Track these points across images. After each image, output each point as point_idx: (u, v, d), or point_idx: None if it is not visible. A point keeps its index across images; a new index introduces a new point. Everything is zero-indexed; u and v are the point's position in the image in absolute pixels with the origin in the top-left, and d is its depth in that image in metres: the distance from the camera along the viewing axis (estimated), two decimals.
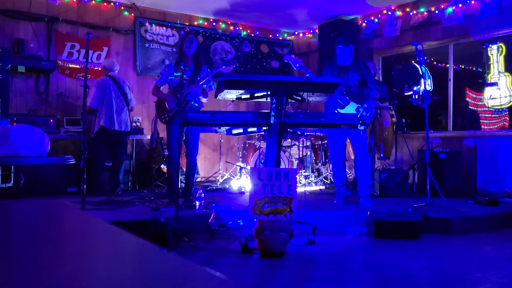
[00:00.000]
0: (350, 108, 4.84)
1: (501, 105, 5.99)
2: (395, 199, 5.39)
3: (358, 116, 4.83)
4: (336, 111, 4.89)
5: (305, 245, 3.65)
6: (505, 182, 5.83)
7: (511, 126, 6.23)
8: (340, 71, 4.96)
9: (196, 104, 4.80)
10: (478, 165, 6.11)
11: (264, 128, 4.16)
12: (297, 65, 4.69)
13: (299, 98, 4.36)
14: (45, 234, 0.84)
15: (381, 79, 7.39)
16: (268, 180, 3.71)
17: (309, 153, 6.91)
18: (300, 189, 4.65)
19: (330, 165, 7.10)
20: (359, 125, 4.81)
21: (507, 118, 6.29)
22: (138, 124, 6.88)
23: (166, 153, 5.81)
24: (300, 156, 6.80)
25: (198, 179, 7.19)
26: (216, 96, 4.40)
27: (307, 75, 4.29)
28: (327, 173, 7.08)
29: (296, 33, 8.68)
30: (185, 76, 4.66)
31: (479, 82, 6.42)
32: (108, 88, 5.65)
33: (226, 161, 7.62)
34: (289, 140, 6.67)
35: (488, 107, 6.21)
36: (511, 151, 5.87)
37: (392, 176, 5.78)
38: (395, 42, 7.12)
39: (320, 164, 7.20)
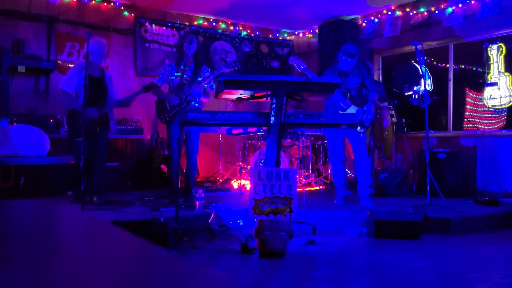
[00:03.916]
0: (351, 111, 4.84)
1: (501, 105, 5.99)
2: (395, 199, 5.39)
3: (358, 119, 4.84)
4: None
5: (305, 245, 3.65)
6: (505, 182, 5.83)
7: (511, 126, 6.23)
8: (341, 74, 4.96)
9: (197, 105, 4.80)
10: (478, 165, 6.11)
11: (264, 128, 4.16)
12: (302, 67, 4.68)
13: (299, 98, 4.36)
14: (45, 234, 0.84)
15: (381, 79, 7.40)
16: (268, 180, 3.71)
17: (309, 153, 6.91)
18: (300, 189, 4.65)
19: (331, 164, 7.11)
20: (359, 127, 4.82)
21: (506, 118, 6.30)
22: (138, 124, 6.88)
23: (166, 153, 5.80)
24: (300, 156, 6.80)
25: (198, 179, 7.18)
26: (216, 96, 4.41)
27: (310, 76, 4.30)
28: (327, 173, 7.08)
29: (296, 33, 8.68)
30: (185, 76, 4.66)
31: (479, 82, 6.43)
32: None
33: (226, 161, 7.62)
34: (289, 140, 6.66)
35: (488, 107, 6.21)
36: (511, 151, 5.87)
37: (392, 176, 5.78)
38: (395, 42, 7.12)
39: (320, 164, 7.20)
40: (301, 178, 6.54)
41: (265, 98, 4.17)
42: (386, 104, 6.18)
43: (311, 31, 8.43)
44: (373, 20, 7.37)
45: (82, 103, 4.55)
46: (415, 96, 6.11)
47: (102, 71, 4.97)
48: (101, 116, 4.76)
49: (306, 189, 5.96)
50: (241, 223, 4.35)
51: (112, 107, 4.92)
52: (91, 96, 4.61)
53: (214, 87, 4.82)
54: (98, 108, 4.73)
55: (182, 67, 4.72)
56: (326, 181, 7.01)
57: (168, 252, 0.72)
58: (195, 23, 7.72)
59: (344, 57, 4.88)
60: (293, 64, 4.80)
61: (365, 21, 7.49)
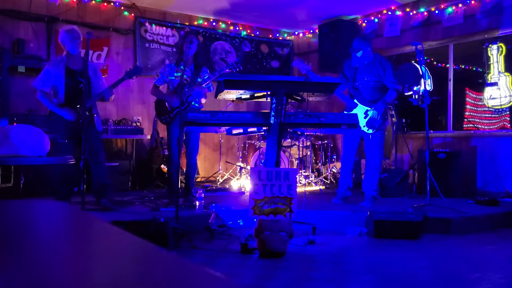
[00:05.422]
0: (359, 111, 4.82)
1: (501, 105, 5.99)
2: (395, 199, 5.38)
3: (366, 120, 4.81)
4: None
5: (305, 245, 3.65)
6: (505, 182, 5.83)
7: (511, 126, 6.23)
8: (357, 72, 4.96)
9: (197, 105, 4.80)
10: (478, 165, 6.11)
11: (264, 128, 4.16)
12: (306, 69, 4.65)
13: (299, 98, 4.36)
14: (44, 234, 0.84)
15: None
16: (268, 180, 3.71)
17: (309, 153, 6.91)
18: (300, 189, 4.65)
19: (331, 164, 7.11)
20: (366, 128, 4.81)
21: (507, 118, 6.29)
22: (138, 124, 6.88)
23: (166, 153, 5.80)
24: (300, 156, 6.80)
25: (198, 179, 7.19)
26: (216, 96, 4.40)
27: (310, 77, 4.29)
28: (327, 173, 7.08)
29: (296, 33, 8.68)
30: (185, 76, 4.66)
31: (479, 82, 6.42)
32: None
33: (226, 161, 7.63)
34: (289, 140, 6.67)
35: (488, 107, 6.21)
36: (511, 151, 5.87)
37: (392, 176, 5.78)
38: (395, 42, 7.12)
39: (320, 164, 7.20)
40: (301, 178, 6.54)
41: (265, 98, 4.17)
42: None
43: (311, 31, 8.43)
44: (373, 20, 7.37)
45: (59, 102, 4.42)
46: (415, 96, 6.11)
47: (85, 62, 4.55)
48: (84, 114, 4.32)
49: (306, 189, 5.96)
50: (241, 223, 4.35)
51: (94, 100, 4.51)
52: (70, 92, 4.37)
53: (212, 88, 4.82)
54: (75, 109, 4.40)
55: (181, 67, 4.71)
56: (326, 181, 7.01)
57: (168, 252, 0.72)
58: (195, 23, 7.72)
59: (353, 54, 4.92)
60: (297, 67, 4.78)
61: (365, 21, 7.49)
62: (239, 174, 6.90)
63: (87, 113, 4.41)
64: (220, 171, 7.19)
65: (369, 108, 4.83)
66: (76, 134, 4.27)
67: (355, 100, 4.94)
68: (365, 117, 4.84)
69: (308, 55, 8.31)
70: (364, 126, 4.84)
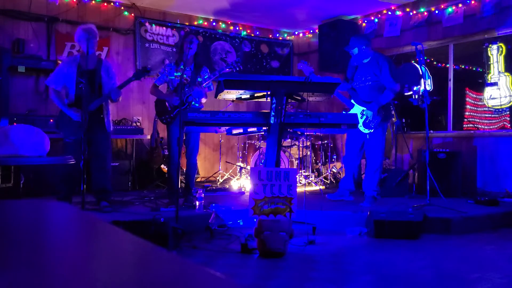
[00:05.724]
0: (356, 112, 4.82)
1: (501, 105, 5.99)
2: (395, 199, 5.38)
3: (362, 120, 4.82)
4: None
5: (305, 245, 3.65)
6: (505, 182, 5.83)
7: (511, 126, 6.23)
8: (355, 72, 4.97)
9: (197, 105, 4.80)
10: (478, 165, 6.11)
11: (264, 128, 4.16)
12: (309, 72, 4.65)
13: (299, 98, 4.36)
14: (44, 234, 0.84)
15: None
16: (268, 180, 3.71)
17: (309, 153, 6.91)
18: (300, 189, 4.65)
19: (331, 164, 7.11)
20: (363, 128, 4.82)
21: (508, 118, 6.29)
22: (138, 124, 6.88)
23: (166, 153, 5.80)
24: (300, 156, 6.80)
25: (198, 179, 7.19)
26: (216, 96, 4.40)
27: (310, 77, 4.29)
28: (327, 173, 7.08)
29: (296, 33, 8.68)
30: (185, 76, 4.66)
31: (479, 82, 6.42)
32: None
33: (226, 161, 7.63)
34: (289, 140, 6.67)
35: (488, 107, 6.21)
36: (511, 151, 5.87)
37: (392, 176, 5.78)
38: (395, 42, 7.12)
39: (320, 164, 7.20)
40: (301, 178, 6.54)
41: (265, 98, 4.17)
42: None
43: (311, 31, 8.43)
44: (373, 20, 7.37)
45: (69, 102, 4.42)
46: (415, 96, 6.11)
47: (99, 61, 4.52)
48: (91, 114, 4.31)
49: (306, 189, 5.96)
50: (241, 223, 4.35)
51: (102, 101, 4.45)
52: (81, 92, 4.31)
53: (212, 88, 4.82)
54: (82, 109, 4.27)
55: (181, 67, 4.72)
56: (326, 181, 7.01)
57: (168, 252, 0.72)
58: (195, 23, 7.72)
59: (350, 52, 4.94)
60: (301, 69, 4.81)
61: (365, 21, 7.49)
62: (239, 174, 6.90)
63: (97, 113, 4.41)
64: (220, 171, 7.19)
65: (365, 108, 4.84)
66: (84, 134, 4.26)
67: (352, 101, 4.96)
68: (361, 117, 4.85)
69: (308, 55, 8.31)
70: (360, 126, 4.84)
